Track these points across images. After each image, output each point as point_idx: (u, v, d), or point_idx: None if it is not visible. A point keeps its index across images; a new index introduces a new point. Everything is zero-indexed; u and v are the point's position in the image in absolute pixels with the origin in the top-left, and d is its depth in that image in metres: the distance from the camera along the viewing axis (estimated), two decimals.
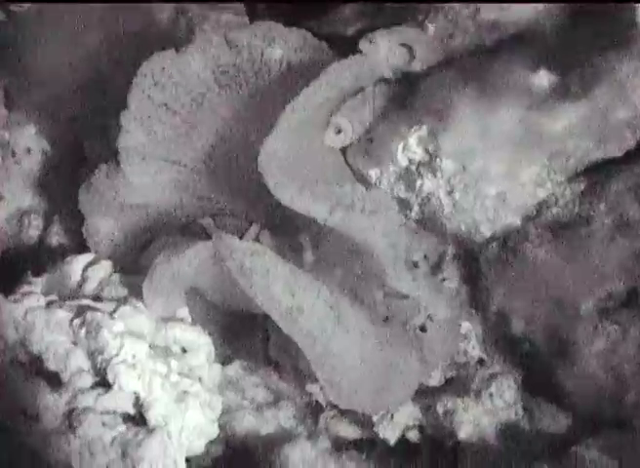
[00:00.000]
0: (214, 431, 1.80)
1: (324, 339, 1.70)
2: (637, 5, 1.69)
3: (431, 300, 1.78)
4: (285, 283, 1.68)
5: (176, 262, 1.73)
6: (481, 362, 1.93)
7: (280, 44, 1.88)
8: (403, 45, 1.86)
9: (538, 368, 1.88)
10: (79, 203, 2.01)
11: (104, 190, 1.97)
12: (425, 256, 1.87)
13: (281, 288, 1.68)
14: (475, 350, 1.92)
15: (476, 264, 1.89)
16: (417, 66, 1.87)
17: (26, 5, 1.90)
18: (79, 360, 1.77)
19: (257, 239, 1.91)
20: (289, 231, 1.93)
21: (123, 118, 1.90)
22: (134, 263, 1.98)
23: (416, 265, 1.81)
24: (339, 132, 1.84)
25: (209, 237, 1.92)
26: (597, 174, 1.83)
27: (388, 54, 1.86)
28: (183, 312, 1.87)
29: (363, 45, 1.83)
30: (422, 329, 1.77)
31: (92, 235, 2.03)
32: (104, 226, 2.02)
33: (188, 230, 1.96)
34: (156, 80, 1.88)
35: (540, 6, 1.84)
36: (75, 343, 1.78)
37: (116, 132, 1.95)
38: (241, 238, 1.89)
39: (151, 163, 1.95)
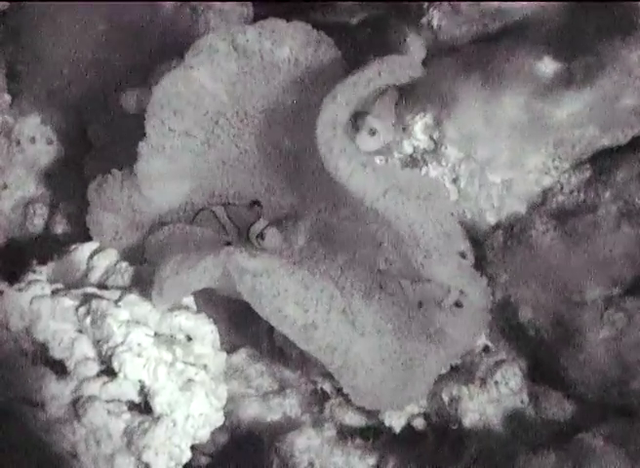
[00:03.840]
0: (219, 419, 1.80)
1: (342, 349, 1.72)
2: None
3: (470, 290, 1.79)
4: (296, 301, 1.69)
5: (185, 278, 1.72)
6: (486, 349, 1.94)
7: (287, 42, 1.86)
8: None
9: (543, 355, 1.89)
10: (88, 201, 1.99)
11: (117, 198, 1.95)
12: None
13: (293, 306, 1.69)
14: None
15: (481, 252, 1.88)
16: None
17: None
18: (84, 348, 1.78)
19: (263, 232, 1.91)
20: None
21: (142, 148, 1.87)
22: (137, 249, 1.98)
23: (463, 256, 1.81)
24: (372, 133, 1.83)
25: (218, 224, 1.93)
26: (603, 161, 1.83)
27: None
28: (189, 300, 1.87)
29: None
30: (458, 304, 1.77)
31: (95, 226, 2.01)
32: (109, 219, 2.00)
33: (197, 219, 1.96)
34: (174, 108, 1.85)
35: None
36: (81, 331, 1.79)
37: (118, 117, 1.94)
38: (249, 229, 1.90)
39: (170, 183, 1.94)
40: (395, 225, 1.72)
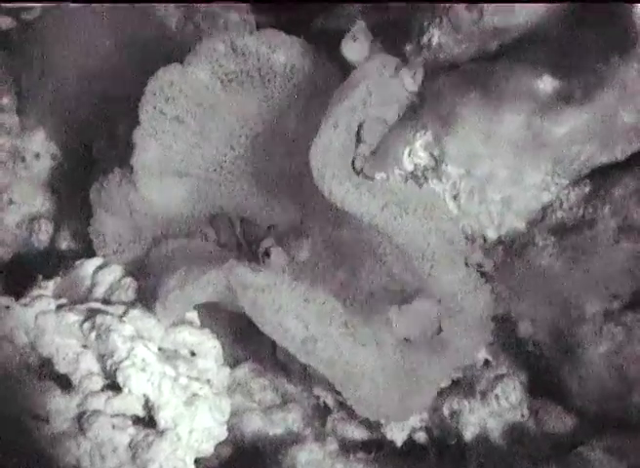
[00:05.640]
0: (222, 433, 1.81)
1: (343, 362, 1.73)
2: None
3: (474, 299, 1.81)
4: (297, 315, 1.70)
5: (189, 291, 1.73)
6: (487, 363, 1.95)
7: (284, 50, 1.90)
8: None
9: (543, 369, 1.90)
10: (90, 201, 2.02)
11: (116, 196, 1.98)
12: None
13: (294, 321, 1.70)
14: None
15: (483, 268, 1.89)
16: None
17: (37, 11, 1.92)
18: (89, 363, 1.79)
19: (268, 250, 1.93)
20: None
21: (136, 135, 1.91)
22: (141, 263, 1.99)
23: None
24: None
25: (232, 233, 1.95)
26: (601, 177, 1.84)
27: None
28: (192, 315, 1.89)
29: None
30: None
31: (98, 235, 2.03)
32: (112, 226, 2.02)
33: (215, 223, 1.98)
34: (166, 95, 1.89)
35: (543, 11, 1.85)
36: (85, 346, 1.81)
37: (123, 133, 1.96)
38: (258, 246, 1.92)
39: (165, 179, 1.96)
40: (397, 239, 1.73)
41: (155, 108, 1.90)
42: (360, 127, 1.82)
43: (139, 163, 1.93)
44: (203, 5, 2.28)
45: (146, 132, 1.91)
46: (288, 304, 1.70)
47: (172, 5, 2.29)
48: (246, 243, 1.97)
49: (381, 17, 2.07)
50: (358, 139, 1.84)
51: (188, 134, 1.95)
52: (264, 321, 1.70)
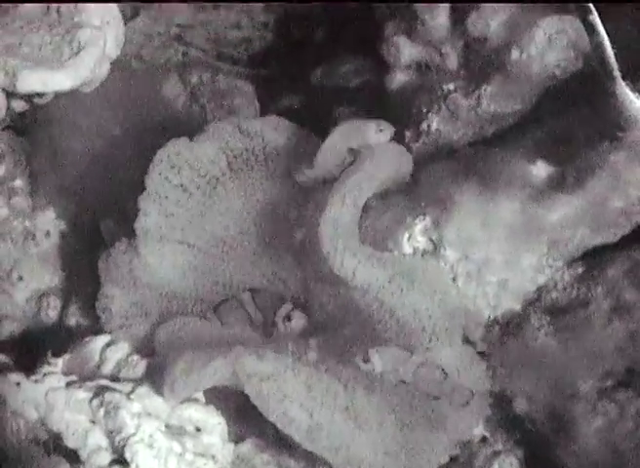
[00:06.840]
0: None
1: (345, 447, 1.75)
2: (628, 100, 1.74)
3: (470, 374, 1.84)
4: (301, 404, 1.74)
5: (196, 378, 1.76)
6: (484, 440, 1.97)
7: (287, 134, 1.97)
8: None
9: (539, 445, 1.92)
10: (98, 274, 2.05)
11: (120, 264, 2.01)
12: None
13: (298, 410, 1.73)
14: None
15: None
16: None
17: (49, 96, 1.97)
18: (97, 438, 1.81)
19: (289, 315, 1.97)
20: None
21: (142, 200, 1.96)
22: (148, 340, 2.02)
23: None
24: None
25: (244, 312, 1.99)
26: (594, 258, 1.88)
27: None
28: (198, 393, 1.91)
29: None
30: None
31: (105, 310, 2.05)
32: (118, 300, 2.04)
33: (221, 309, 2.02)
34: (172, 163, 1.95)
35: (537, 96, 1.91)
36: (94, 422, 1.83)
37: (132, 213, 2.01)
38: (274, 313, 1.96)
39: (167, 245, 2.00)
40: (400, 312, 1.77)
41: (161, 175, 1.96)
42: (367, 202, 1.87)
43: (142, 227, 1.98)
44: (208, 94, 2.34)
45: (151, 197, 1.97)
46: (292, 393, 1.73)
47: (179, 87, 2.35)
48: (261, 315, 2.00)
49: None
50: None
51: (192, 203, 2.00)
52: (270, 410, 1.73)
